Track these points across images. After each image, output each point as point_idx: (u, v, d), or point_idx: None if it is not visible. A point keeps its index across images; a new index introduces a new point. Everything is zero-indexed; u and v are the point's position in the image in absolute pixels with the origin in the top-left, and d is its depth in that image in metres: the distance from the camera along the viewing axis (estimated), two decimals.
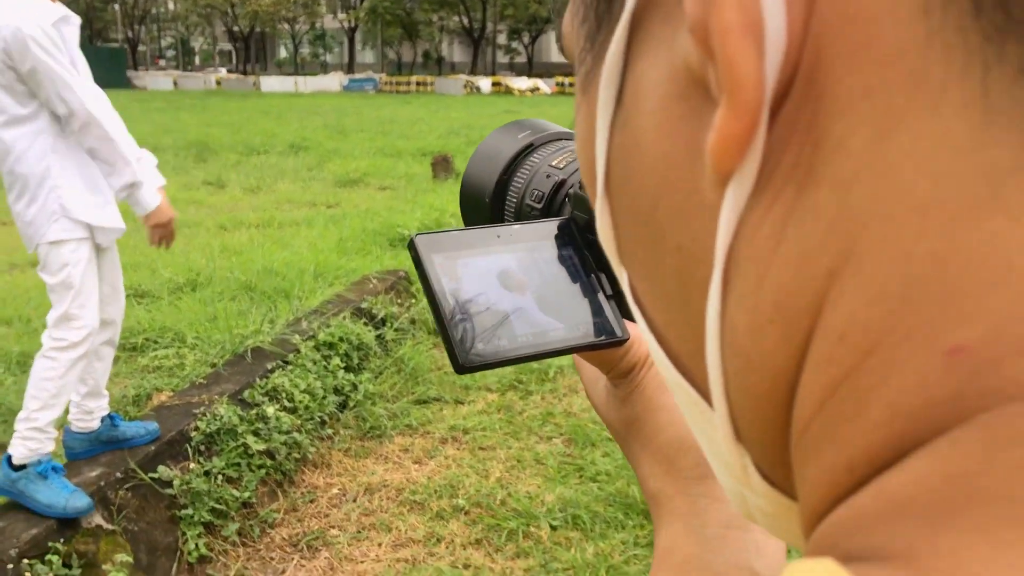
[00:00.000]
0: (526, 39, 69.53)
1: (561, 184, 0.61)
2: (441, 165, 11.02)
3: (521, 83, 45.70)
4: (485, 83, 45.80)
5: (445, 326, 0.46)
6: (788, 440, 0.22)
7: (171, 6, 71.61)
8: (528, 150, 0.65)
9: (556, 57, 76.93)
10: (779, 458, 0.23)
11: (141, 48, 77.15)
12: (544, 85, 46.01)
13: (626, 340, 0.52)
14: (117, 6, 65.32)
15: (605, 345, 0.51)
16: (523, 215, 0.63)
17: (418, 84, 48.21)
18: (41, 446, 2.94)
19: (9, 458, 2.92)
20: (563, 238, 0.54)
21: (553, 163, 0.62)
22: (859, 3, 0.18)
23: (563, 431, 3.89)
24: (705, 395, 0.25)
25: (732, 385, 0.23)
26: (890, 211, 0.18)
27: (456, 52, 78.72)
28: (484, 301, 0.48)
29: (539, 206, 0.61)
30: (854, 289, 0.19)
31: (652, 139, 0.23)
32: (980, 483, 0.17)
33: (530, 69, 67.54)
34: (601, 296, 0.53)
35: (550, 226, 0.55)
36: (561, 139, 0.66)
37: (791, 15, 0.19)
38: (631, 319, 0.55)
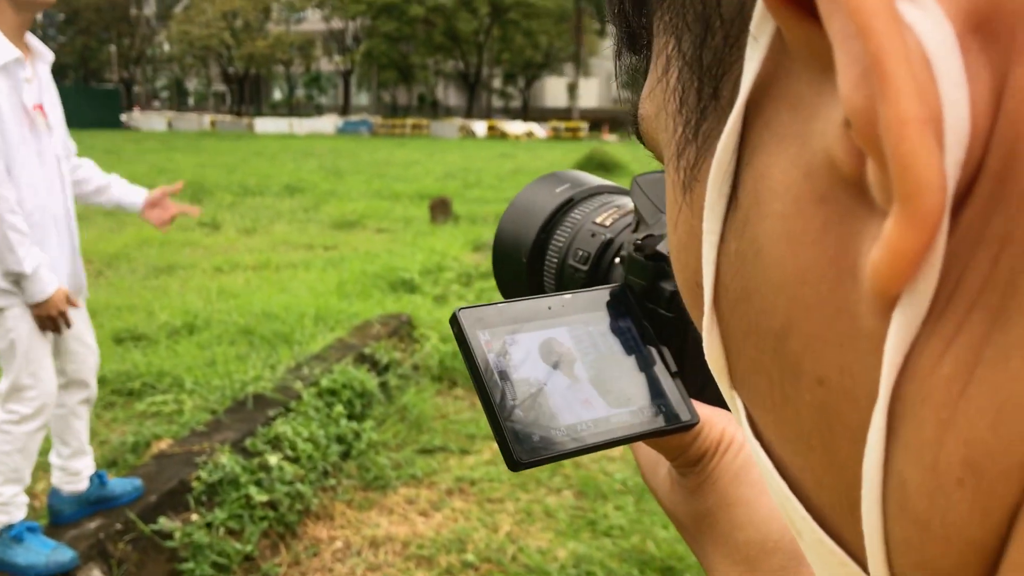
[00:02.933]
0: (521, 84, 70.22)
1: (608, 244, 0.56)
2: (439, 208, 11.01)
3: (516, 127, 46.13)
4: (480, 127, 46.21)
5: (495, 415, 0.41)
6: None
7: (166, 47, 72.21)
8: (568, 205, 0.59)
9: (551, 102, 77.78)
10: None
11: (136, 89, 77.66)
12: (539, 129, 46.45)
13: (696, 424, 0.46)
14: (113, 47, 65.85)
15: (673, 431, 0.46)
16: (566, 277, 0.57)
17: (413, 127, 48.59)
18: (10, 517, 2.80)
19: None
20: (618, 308, 0.49)
21: (597, 220, 0.57)
22: None
23: (572, 483, 3.79)
24: (858, 559, 0.20)
25: (898, 553, 0.19)
26: None
27: (451, 96, 79.42)
28: (537, 383, 0.43)
29: (584, 268, 0.56)
30: None
31: (782, 250, 0.20)
32: None
33: (525, 113, 68.12)
34: (665, 373, 0.47)
35: (603, 294, 0.49)
36: (602, 193, 0.61)
37: (975, 102, 0.16)
38: (700, 399, 0.49)
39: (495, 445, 4.13)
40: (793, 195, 0.19)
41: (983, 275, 0.16)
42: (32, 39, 2.77)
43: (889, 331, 0.17)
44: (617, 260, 0.55)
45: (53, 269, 2.76)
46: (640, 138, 0.28)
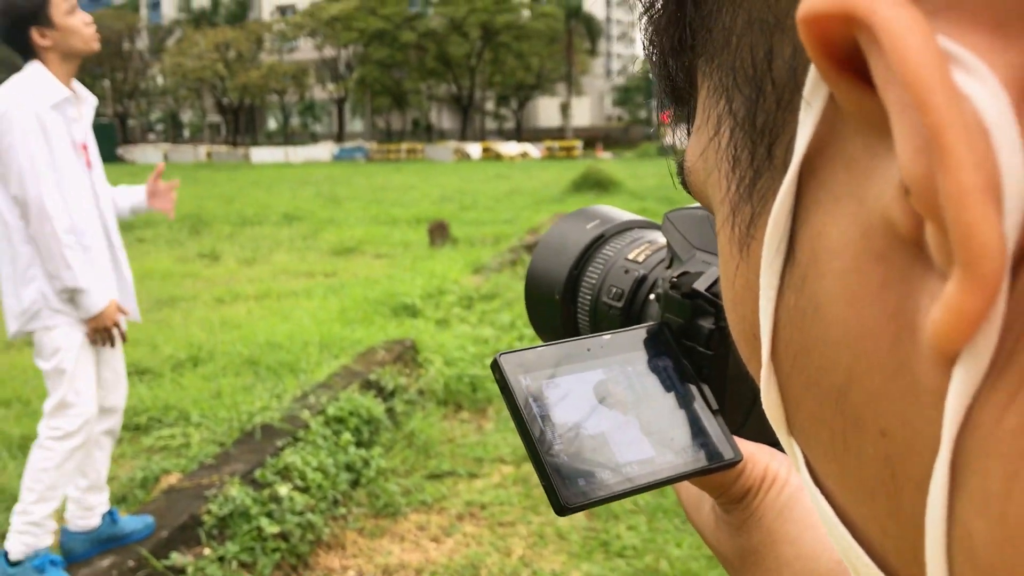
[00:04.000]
0: (514, 105, 70.56)
1: (642, 280, 0.56)
2: (438, 232, 11.03)
3: (510, 148, 46.30)
4: (475, 149, 46.35)
5: (540, 460, 0.41)
6: None
7: (160, 81, 72.51)
8: (599, 241, 0.60)
9: (544, 122, 78.08)
10: None
11: (131, 122, 77.90)
12: (533, 150, 46.62)
13: (739, 461, 0.46)
14: (107, 82, 66.17)
15: (717, 469, 0.46)
16: (599, 314, 0.58)
17: (408, 152, 48.75)
18: (37, 540, 2.83)
19: (6, 554, 2.81)
20: (657, 346, 0.49)
21: (630, 256, 0.58)
22: None
23: None
24: None
25: None
26: None
27: (445, 119, 79.71)
28: (580, 426, 0.43)
29: (619, 304, 0.56)
30: None
31: (842, 307, 0.20)
32: None
33: (519, 134, 68.38)
34: (706, 411, 0.47)
35: (641, 333, 0.49)
36: (633, 228, 0.61)
37: None
38: (740, 435, 0.49)
39: (504, 468, 4.12)
40: (852, 253, 0.20)
41: None
42: (76, 84, 2.98)
43: (950, 386, 0.17)
44: (652, 297, 0.55)
45: (104, 290, 2.94)
46: (687, 188, 0.29)
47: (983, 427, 0.17)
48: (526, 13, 61.87)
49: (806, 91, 0.20)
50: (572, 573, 3.24)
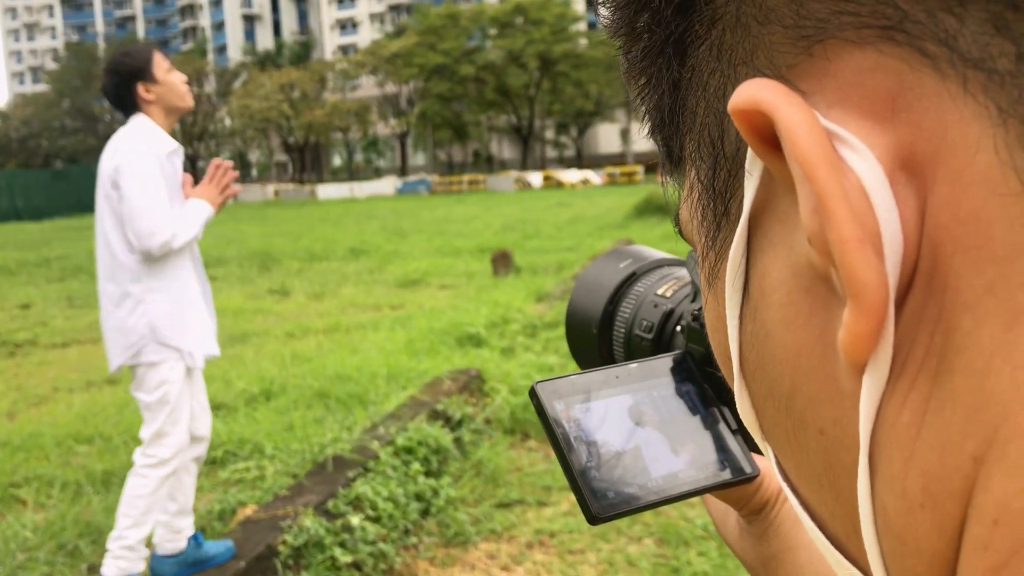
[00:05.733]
0: (573, 132, 70.72)
1: (670, 313, 0.61)
2: (501, 261, 11.10)
3: (571, 176, 46.36)
4: (536, 178, 46.54)
5: (574, 476, 0.46)
6: None
7: (228, 122, 74.49)
8: (632, 279, 0.65)
9: (604, 148, 78.08)
10: None
11: (201, 164, 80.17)
12: (594, 176, 46.60)
13: (757, 476, 0.51)
14: (177, 125, 67.82)
15: (736, 483, 0.50)
16: (633, 345, 0.62)
17: (470, 183, 49.13)
18: (132, 565, 2.95)
19: None
20: (680, 373, 0.54)
21: (659, 292, 0.62)
22: (970, 205, 0.19)
23: (653, 530, 3.77)
24: (867, 574, 0.25)
25: (891, 566, 0.23)
26: None
27: (505, 149, 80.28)
28: (611, 446, 0.48)
29: (649, 336, 0.61)
30: (1002, 475, 0.19)
31: (782, 331, 0.25)
32: None
33: (579, 161, 68.50)
34: (726, 430, 0.52)
35: (666, 361, 0.54)
36: (663, 266, 0.66)
37: (905, 219, 0.21)
38: (759, 451, 0.53)
39: (572, 496, 4.12)
40: (787, 289, 0.25)
41: (925, 346, 0.21)
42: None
43: (862, 392, 0.22)
44: (678, 328, 0.59)
45: (201, 328, 3.17)
46: (682, 236, 0.34)
47: (887, 423, 0.22)
48: (583, 42, 62.19)
49: (747, 163, 0.25)
50: None
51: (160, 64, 3.11)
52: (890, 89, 0.21)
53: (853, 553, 0.26)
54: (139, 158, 2.96)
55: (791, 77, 0.23)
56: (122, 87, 3.09)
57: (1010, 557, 0.19)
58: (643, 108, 0.31)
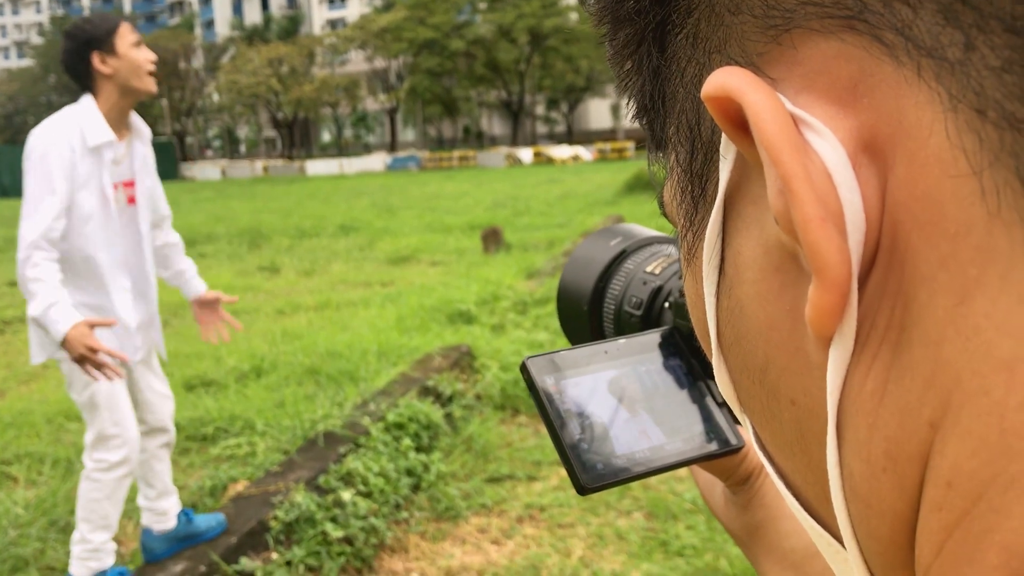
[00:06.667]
0: (564, 108, 70.52)
1: (658, 290, 0.62)
2: (491, 238, 11.10)
3: (562, 152, 46.25)
4: (526, 154, 46.40)
5: (564, 448, 0.47)
6: None
7: (216, 98, 73.96)
8: (622, 256, 0.65)
9: (595, 124, 77.85)
10: None
11: (189, 140, 79.63)
12: (584, 152, 46.49)
13: (741, 448, 0.52)
14: (164, 101, 67.80)
15: (721, 454, 0.52)
16: (622, 321, 0.63)
17: (460, 159, 48.97)
18: (101, 563, 2.92)
19: None
20: (668, 348, 0.55)
21: (648, 269, 0.63)
22: (925, 184, 0.20)
23: (642, 504, 3.80)
24: (837, 537, 0.27)
25: (858, 528, 0.25)
26: (978, 368, 0.20)
27: (496, 125, 79.99)
28: (599, 419, 0.49)
29: (638, 312, 0.62)
30: (955, 440, 0.20)
31: (755, 306, 0.26)
32: None
33: (570, 137, 68.34)
34: (712, 404, 0.53)
35: (654, 337, 0.55)
36: (652, 243, 0.66)
37: (867, 198, 0.22)
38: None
39: (562, 471, 4.15)
40: (759, 266, 0.26)
41: (887, 319, 0.22)
42: (135, 118, 2.96)
43: (829, 363, 0.23)
44: (666, 305, 0.60)
45: (124, 333, 2.91)
46: (666, 216, 0.35)
47: (853, 392, 0.23)
48: (574, 16, 61.83)
49: (722, 147, 0.26)
50: (632, 573, 3.26)
51: (125, 36, 2.80)
52: (852, 76, 0.22)
53: (825, 518, 0.27)
54: (45, 151, 2.65)
55: (761, 65, 0.24)
56: (75, 55, 2.78)
57: (962, 517, 0.21)
58: (628, 92, 0.33)
